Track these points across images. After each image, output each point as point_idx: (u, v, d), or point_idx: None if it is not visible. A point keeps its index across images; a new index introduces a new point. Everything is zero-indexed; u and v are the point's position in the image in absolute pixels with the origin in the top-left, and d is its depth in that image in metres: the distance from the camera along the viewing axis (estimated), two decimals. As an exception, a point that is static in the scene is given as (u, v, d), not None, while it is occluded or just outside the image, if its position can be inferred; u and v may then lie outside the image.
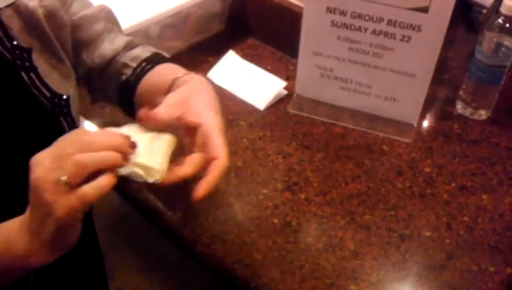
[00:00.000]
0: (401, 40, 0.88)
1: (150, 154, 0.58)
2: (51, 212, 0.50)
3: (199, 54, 1.15)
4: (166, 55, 0.80)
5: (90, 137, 0.53)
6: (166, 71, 0.73)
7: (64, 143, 0.52)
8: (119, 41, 0.79)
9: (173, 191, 0.84)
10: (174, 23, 1.11)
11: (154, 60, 0.76)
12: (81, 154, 0.50)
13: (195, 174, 0.60)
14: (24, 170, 0.53)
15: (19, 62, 0.65)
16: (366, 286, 0.72)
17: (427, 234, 0.79)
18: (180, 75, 0.68)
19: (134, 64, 0.76)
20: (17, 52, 0.65)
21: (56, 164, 0.50)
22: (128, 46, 0.79)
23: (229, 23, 1.23)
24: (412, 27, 0.86)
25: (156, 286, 1.62)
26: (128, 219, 1.60)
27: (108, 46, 0.77)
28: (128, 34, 1.02)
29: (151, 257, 1.69)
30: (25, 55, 0.65)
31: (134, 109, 0.76)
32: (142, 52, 0.78)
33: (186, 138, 0.62)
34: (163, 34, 1.10)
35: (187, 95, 0.63)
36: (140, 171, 0.57)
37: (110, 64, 0.78)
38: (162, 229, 0.84)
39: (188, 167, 0.59)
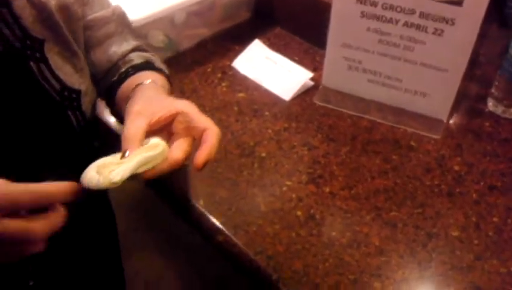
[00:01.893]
0: (434, 33, 0.86)
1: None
2: None
3: (225, 42, 1.13)
4: (160, 65, 0.79)
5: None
6: (137, 79, 0.72)
7: None
8: (128, 45, 0.78)
9: (196, 179, 0.84)
10: (200, 10, 1.10)
11: (140, 67, 0.75)
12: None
13: (186, 159, 0.59)
14: (29, 159, 0.52)
15: (29, 52, 0.64)
16: (390, 283, 0.70)
17: (455, 233, 0.77)
18: (145, 82, 0.69)
19: (123, 68, 0.75)
20: (28, 42, 0.64)
21: None
22: (134, 50, 0.79)
23: (256, 11, 1.21)
24: (445, 20, 0.84)
25: (173, 270, 1.62)
26: (147, 200, 1.60)
27: (116, 49, 0.77)
28: (153, 21, 1.01)
29: (170, 241, 1.68)
30: (36, 45, 0.65)
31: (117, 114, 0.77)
32: (137, 57, 0.77)
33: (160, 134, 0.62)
34: (188, 21, 1.09)
35: (146, 99, 0.63)
36: (146, 153, 0.56)
37: (114, 66, 0.77)
38: (184, 217, 0.83)
39: (177, 151, 0.59)
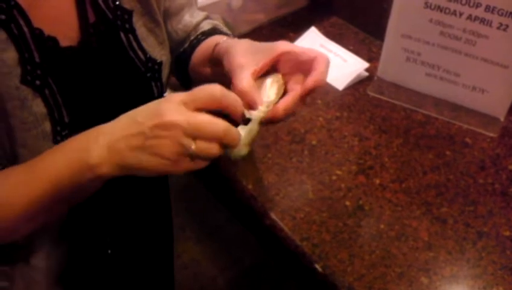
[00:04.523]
0: (498, 28, 0.83)
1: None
2: (161, 165, 0.50)
3: (280, 29, 1.13)
4: (227, 31, 0.81)
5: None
6: (213, 40, 0.74)
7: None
8: (199, 15, 0.81)
9: (245, 163, 0.84)
10: (257, -5, 1.10)
11: (209, 33, 0.78)
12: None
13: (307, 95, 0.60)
14: None
15: (119, 22, 0.66)
16: (438, 279, 0.69)
17: (506, 233, 0.75)
18: (222, 40, 0.69)
19: (193, 36, 0.78)
20: (119, 12, 0.66)
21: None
22: (205, 19, 0.81)
23: (312, -1, 1.20)
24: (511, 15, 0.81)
25: (212, 258, 1.64)
26: (187, 188, 1.62)
27: (190, 19, 0.79)
28: (211, 4, 1.02)
29: (208, 229, 1.71)
30: (126, 16, 0.67)
31: (189, 81, 0.80)
32: (206, 24, 0.80)
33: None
34: (245, 6, 1.10)
35: (245, 51, 0.63)
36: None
37: (187, 36, 0.80)
38: (231, 199, 0.84)
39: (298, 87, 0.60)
